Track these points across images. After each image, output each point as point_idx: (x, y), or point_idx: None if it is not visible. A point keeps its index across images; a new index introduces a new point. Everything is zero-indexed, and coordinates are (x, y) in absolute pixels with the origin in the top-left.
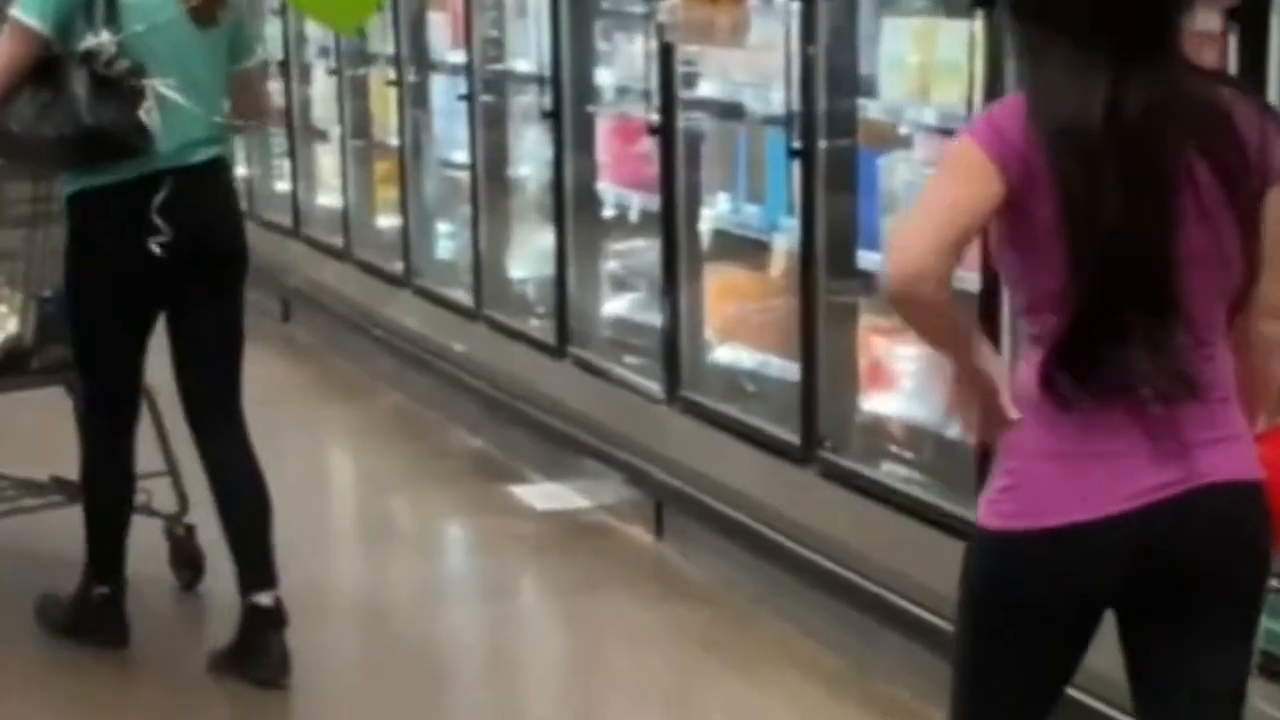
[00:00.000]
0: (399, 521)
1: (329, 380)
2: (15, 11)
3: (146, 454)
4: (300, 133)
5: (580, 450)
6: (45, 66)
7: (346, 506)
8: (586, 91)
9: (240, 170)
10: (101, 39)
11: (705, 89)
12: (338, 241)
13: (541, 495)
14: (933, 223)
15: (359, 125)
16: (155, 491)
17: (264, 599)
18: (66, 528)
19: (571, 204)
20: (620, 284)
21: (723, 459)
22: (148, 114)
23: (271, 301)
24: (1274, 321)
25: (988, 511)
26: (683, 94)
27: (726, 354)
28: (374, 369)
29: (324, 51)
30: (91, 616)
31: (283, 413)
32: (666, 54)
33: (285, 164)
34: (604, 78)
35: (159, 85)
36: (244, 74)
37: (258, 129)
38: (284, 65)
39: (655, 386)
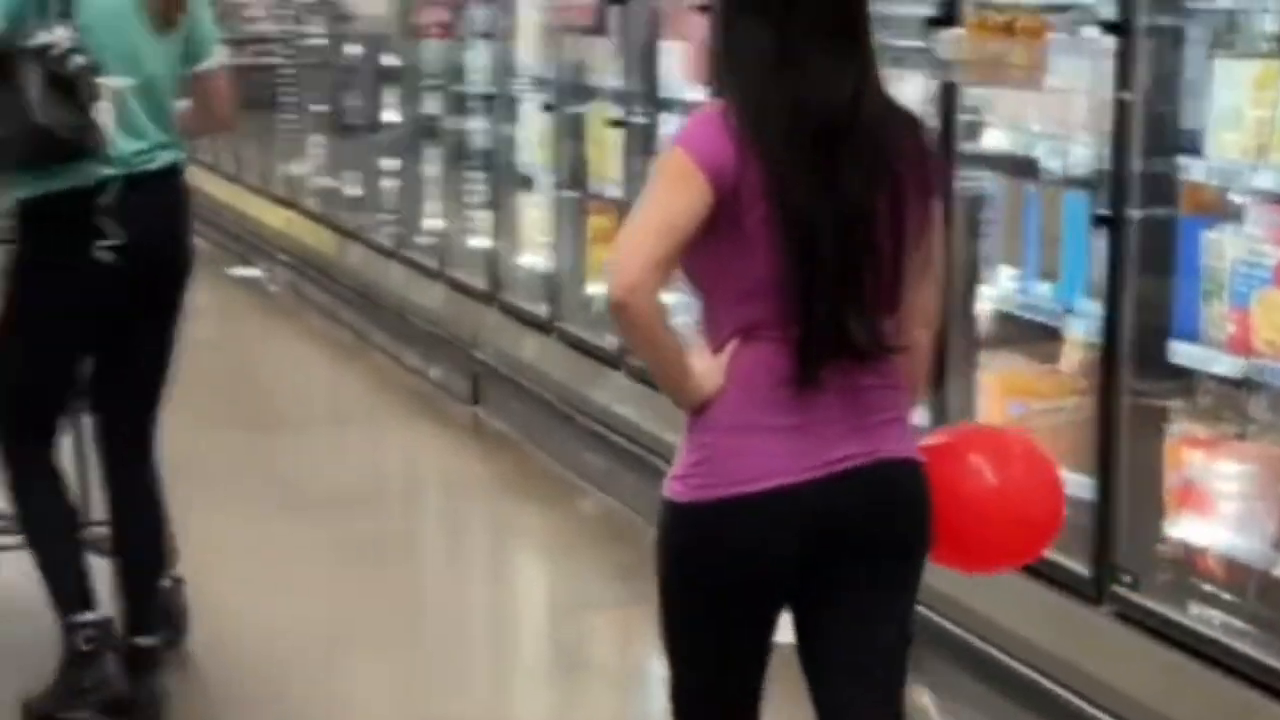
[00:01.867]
0: (596, 649)
1: (523, 475)
2: None
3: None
4: (502, 179)
5: None
6: None
7: (536, 627)
8: None
9: (433, 222)
10: (56, 34)
11: (992, 140)
12: (541, 310)
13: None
14: (648, 234)
15: (573, 172)
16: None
17: (145, 640)
18: None
19: None
20: None
21: (994, 591)
22: (102, 115)
23: (459, 378)
24: (925, 329)
25: (679, 487)
26: (964, 146)
27: None
28: (578, 465)
29: (538, 84)
30: (81, 667)
31: (468, 512)
32: (948, 96)
33: (482, 216)
34: None
35: (114, 84)
36: (202, 76)
37: (212, 134)
38: (489, 99)
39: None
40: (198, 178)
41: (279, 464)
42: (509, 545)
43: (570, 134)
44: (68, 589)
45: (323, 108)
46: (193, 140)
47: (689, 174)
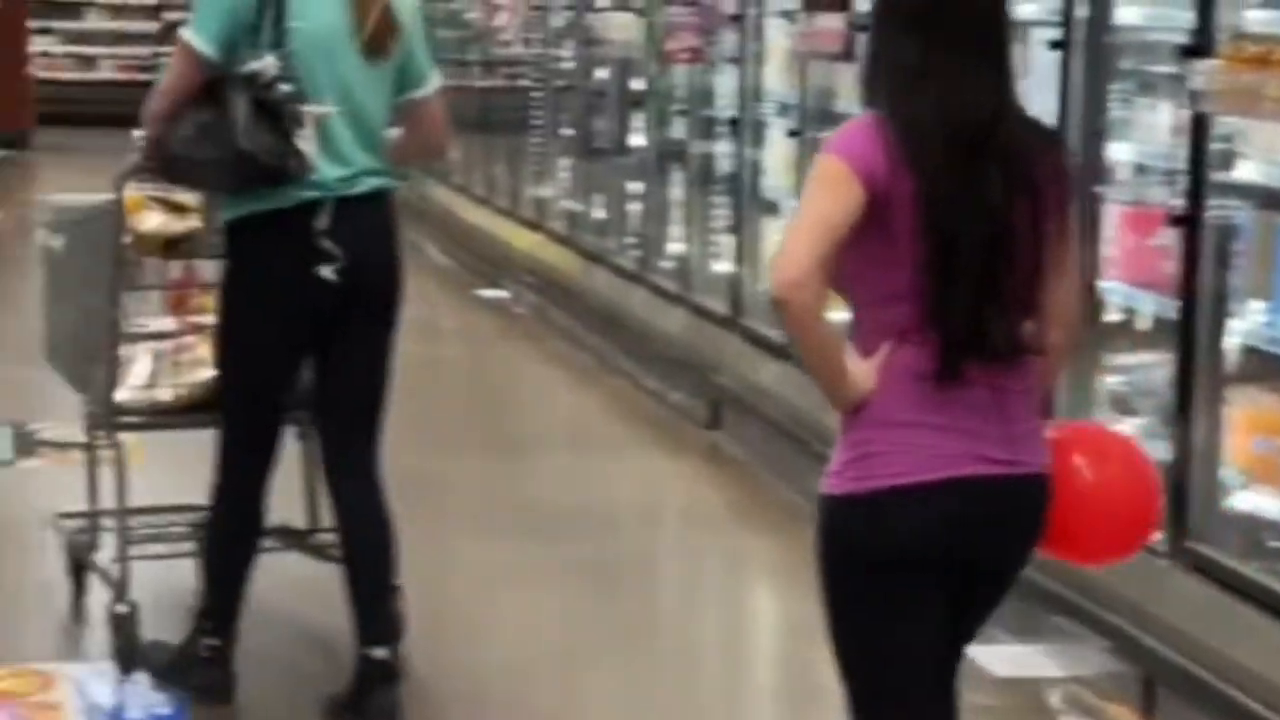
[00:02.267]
0: (829, 677)
1: (760, 503)
2: (185, 32)
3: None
4: (746, 204)
5: (1056, 608)
6: (208, 86)
7: (768, 654)
8: (1095, 169)
9: (676, 246)
10: (264, 62)
11: (1244, 172)
12: (781, 336)
13: (1005, 659)
14: (808, 233)
15: None
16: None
17: (379, 652)
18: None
19: None
20: (1120, 404)
21: (1236, 631)
22: (305, 141)
23: (697, 403)
24: (1061, 331)
25: (835, 481)
26: (1215, 176)
27: (1249, 500)
28: (814, 493)
29: (784, 109)
30: (196, 670)
31: (702, 539)
32: (1199, 127)
33: (726, 240)
34: (1118, 153)
35: (318, 112)
36: (416, 104)
37: (427, 162)
38: (734, 123)
39: (1156, 535)
40: (449, 200)
41: (516, 486)
42: (743, 572)
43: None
44: (219, 601)
45: (571, 131)
46: (407, 166)
47: (843, 177)
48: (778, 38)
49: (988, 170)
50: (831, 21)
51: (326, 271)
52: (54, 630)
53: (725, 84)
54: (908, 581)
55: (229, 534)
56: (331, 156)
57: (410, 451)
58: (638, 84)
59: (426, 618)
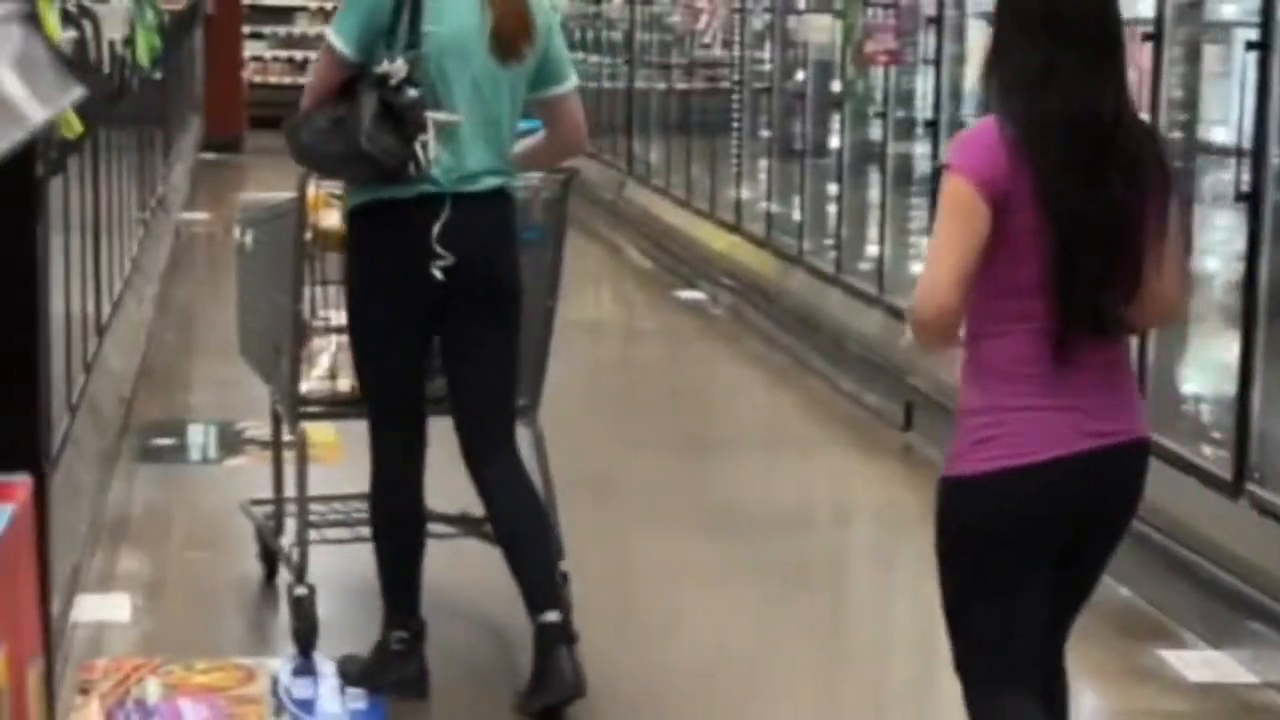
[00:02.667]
0: None
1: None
2: (328, 32)
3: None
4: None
5: (1254, 613)
6: (347, 83)
7: None
8: None
9: (873, 248)
10: (395, 65)
11: None
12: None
13: (1198, 664)
14: (949, 265)
15: None
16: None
17: (550, 616)
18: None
19: (1265, 308)
20: None
21: None
22: (423, 147)
23: (891, 404)
24: (1157, 316)
25: (961, 464)
26: None
27: None
28: None
29: (983, 111)
30: (390, 667)
31: (895, 540)
32: None
33: (923, 243)
34: None
35: (443, 119)
36: (552, 101)
37: (559, 166)
38: (932, 125)
39: None
40: (649, 202)
41: (710, 486)
42: (935, 576)
43: None
44: (393, 591)
45: (770, 133)
46: (546, 166)
47: (971, 203)
48: (978, 39)
49: (1108, 167)
50: None
51: (435, 270)
52: (253, 623)
53: (924, 85)
54: (1022, 554)
55: (389, 523)
56: (455, 155)
57: (605, 451)
58: (836, 86)
59: (616, 615)
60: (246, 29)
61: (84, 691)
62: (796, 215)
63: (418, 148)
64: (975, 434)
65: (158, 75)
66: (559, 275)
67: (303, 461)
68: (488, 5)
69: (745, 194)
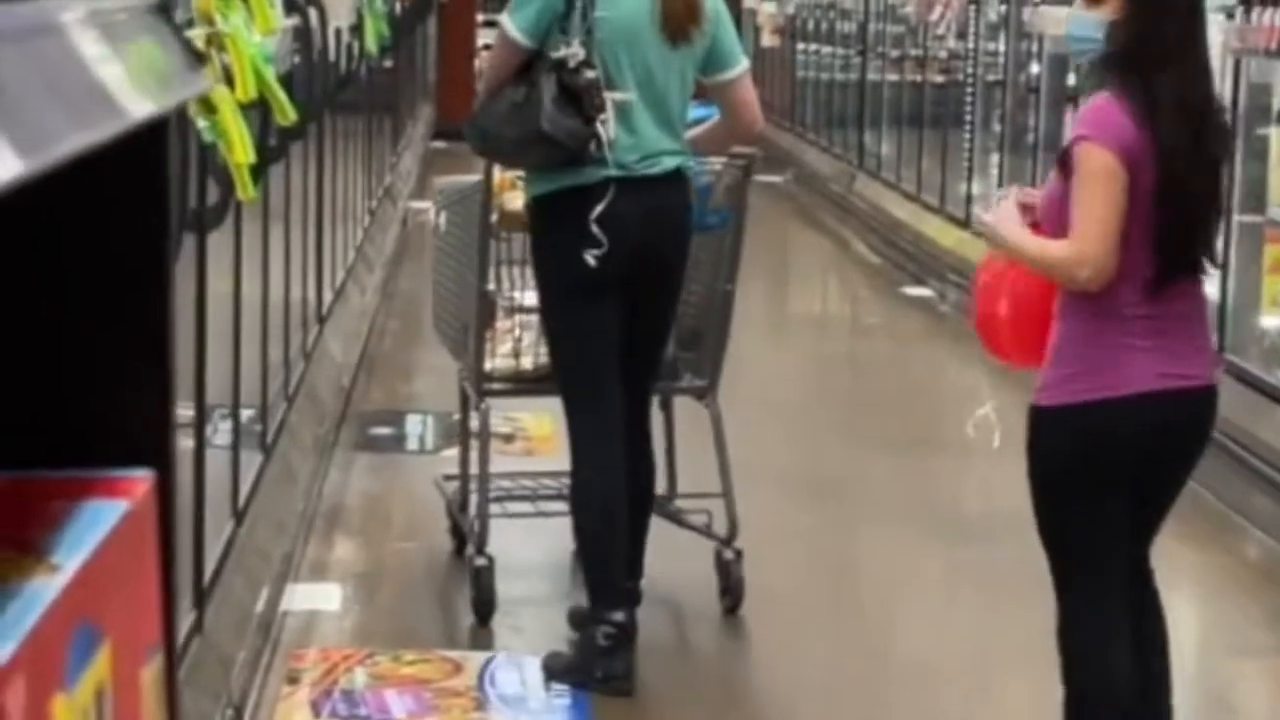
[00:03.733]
0: (1244, 697)
1: (1180, 512)
2: (504, 20)
3: (708, 473)
4: None
5: None
6: (524, 68)
7: (1184, 671)
8: None
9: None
10: (571, 49)
11: None
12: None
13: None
14: (1106, 230)
15: (1251, 195)
16: (714, 513)
17: (618, 615)
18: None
19: None
20: None
21: None
22: (605, 126)
23: None
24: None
25: (1054, 394)
26: None
27: None
28: (1243, 505)
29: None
30: (597, 662)
31: None
32: None
33: None
34: None
35: (619, 98)
36: (724, 85)
37: (745, 155)
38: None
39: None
40: (878, 195)
41: (933, 487)
42: (1161, 583)
43: (1253, 156)
44: (598, 576)
45: (1002, 127)
46: (720, 150)
47: (1114, 171)
48: (1213, 34)
49: (1209, 134)
50: (1274, 18)
51: (589, 258)
52: (462, 615)
53: None
54: (1107, 476)
55: (589, 504)
56: (630, 137)
57: (828, 447)
58: (1071, 79)
59: (836, 614)
60: (480, 17)
61: (292, 680)
62: None
63: (599, 127)
64: (1069, 366)
65: (388, 63)
66: (738, 259)
67: (485, 435)
68: None
69: (976, 189)
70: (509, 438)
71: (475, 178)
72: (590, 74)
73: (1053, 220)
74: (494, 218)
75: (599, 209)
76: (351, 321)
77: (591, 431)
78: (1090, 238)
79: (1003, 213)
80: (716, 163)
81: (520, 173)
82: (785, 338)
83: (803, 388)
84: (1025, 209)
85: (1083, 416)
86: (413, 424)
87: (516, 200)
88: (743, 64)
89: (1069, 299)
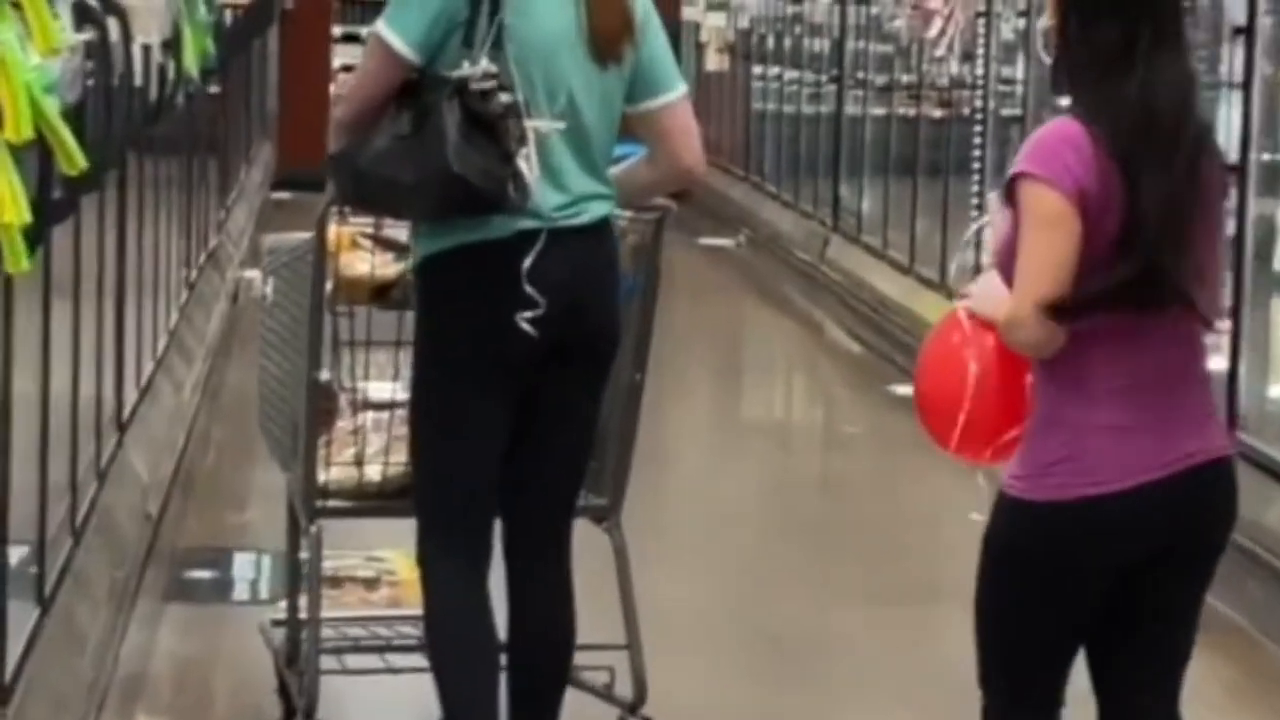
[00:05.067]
0: None
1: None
2: (380, 29)
3: (608, 619)
4: (1253, 276)
5: None
6: (405, 93)
7: None
8: None
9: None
10: (479, 67)
11: None
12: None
13: None
14: (1040, 282)
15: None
16: (616, 669)
17: None
18: None
19: None
20: None
21: None
22: (527, 163)
23: None
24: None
25: (1035, 485)
26: None
27: None
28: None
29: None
30: None
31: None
32: None
33: (1221, 324)
34: None
35: (544, 127)
36: (657, 114)
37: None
38: (1239, 169)
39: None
40: (858, 265)
41: (930, 652)
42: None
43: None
44: None
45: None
46: (650, 197)
47: (1060, 216)
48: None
49: (1183, 156)
50: None
51: (524, 323)
52: None
53: (1228, 115)
54: (1077, 586)
55: (454, 657)
56: (550, 179)
57: (785, 599)
58: None
59: None
60: (337, 29)
61: None
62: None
63: (520, 163)
64: (1048, 454)
65: (214, 89)
66: (648, 341)
67: (315, 566)
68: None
69: (986, 257)
70: (371, 582)
71: (307, 234)
72: (506, 97)
73: (1006, 268)
74: (329, 286)
75: (527, 263)
76: (162, 428)
77: (461, 561)
78: (1024, 295)
79: (982, 284)
80: (620, 216)
81: (365, 229)
82: (735, 450)
83: (757, 516)
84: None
85: (1063, 516)
86: (242, 565)
87: (358, 264)
88: (681, 88)
89: (1037, 369)
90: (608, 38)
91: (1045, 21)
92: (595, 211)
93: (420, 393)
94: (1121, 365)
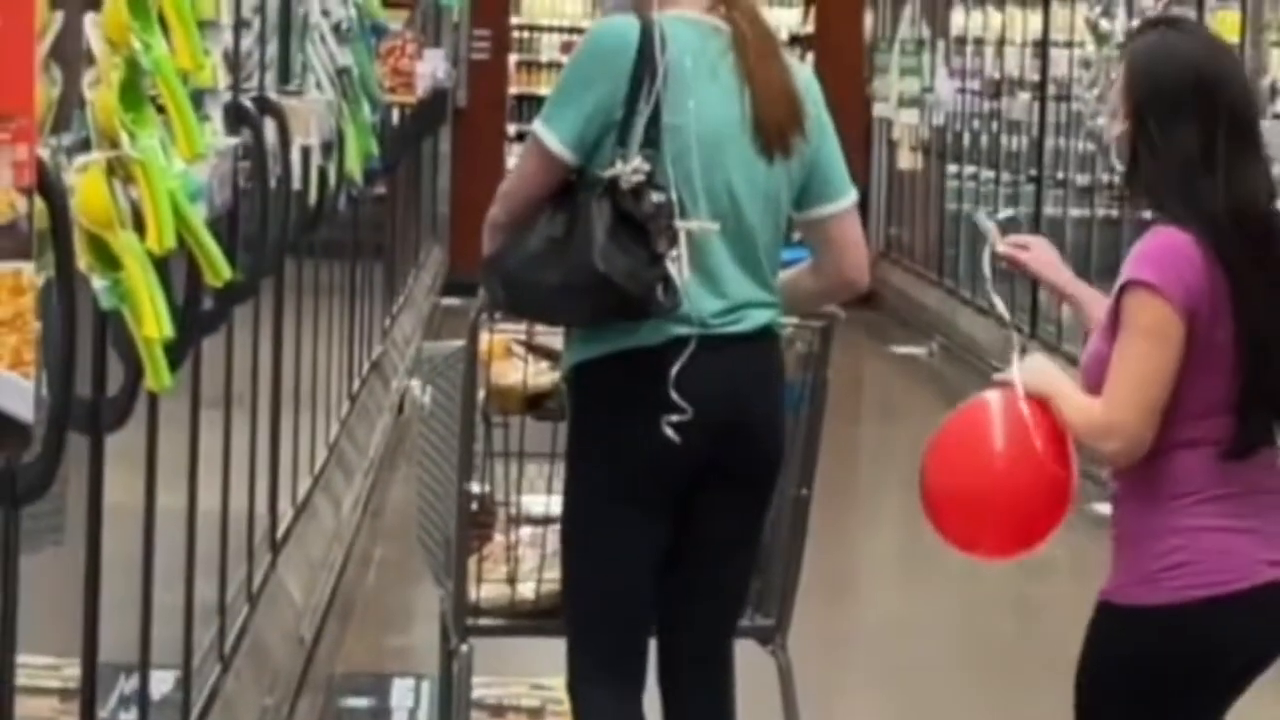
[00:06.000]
0: None
1: None
2: (538, 127)
3: None
4: None
5: None
6: (562, 192)
7: None
8: None
9: None
10: (631, 165)
11: None
12: None
13: None
14: (1146, 393)
15: None
16: None
17: None
18: None
19: None
20: None
21: None
22: (677, 265)
23: None
24: None
25: (1154, 589)
26: None
27: None
28: None
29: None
30: None
31: None
32: None
33: None
34: None
35: (697, 229)
36: (825, 222)
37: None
38: None
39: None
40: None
41: None
42: None
43: None
44: None
45: None
46: (810, 309)
47: (1172, 325)
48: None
49: (1273, 255)
50: None
51: (668, 428)
52: None
53: None
54: (1194, 693)
55: None
56: (707, 283)
57: None
58: None
59: None
60: (511, 128)
61: None
62: None
63: (669, 266)
64: (1163, 559)
65: (380, 191)
66: (815, 455)
67: (465, 689)
68: (745, 86)
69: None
70: (536, 712)
71: (463, 342)
72: (657, 196)
73: (1092, 375)
74: (481, 395)
75: (675, 369)
76: (319, 548)
77: (610, 696)
78: (1123, 405)
79: (1036, 367)
80: (785, 324)
81: (519, 335)
82: (923, 573)
83: (945, 646)
84: (1022, 266)
85: (1184, 618)
86: (401, 691)
87: (510, 373)
88: (852, 196)
89: (1145, 478)
90: (776, 127)
91: (1117, 128)
92: (756, 319)
93: (570, 506)
94: (1215, 471)
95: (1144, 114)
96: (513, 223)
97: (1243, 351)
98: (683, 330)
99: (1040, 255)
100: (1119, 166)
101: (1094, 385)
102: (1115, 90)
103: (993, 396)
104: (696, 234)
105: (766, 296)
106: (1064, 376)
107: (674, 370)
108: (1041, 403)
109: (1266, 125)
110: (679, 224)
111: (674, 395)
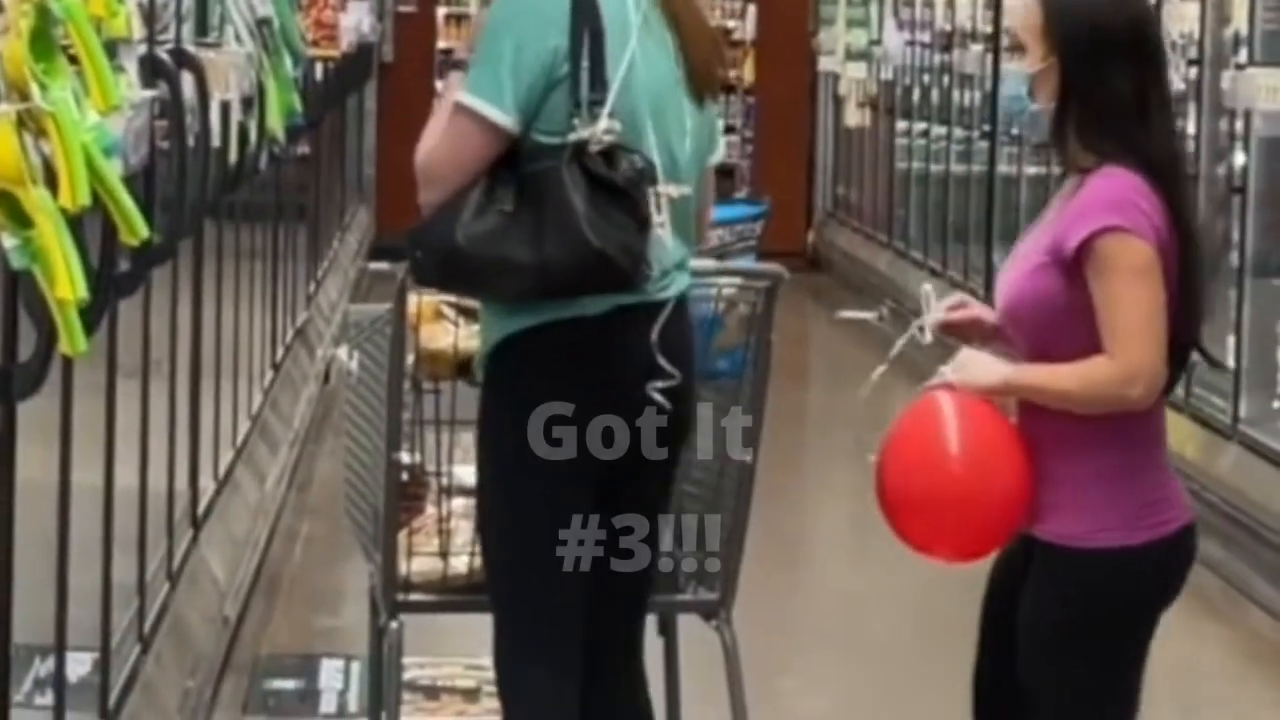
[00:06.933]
0: None
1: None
2: (465, 99)
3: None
4: None
5: None
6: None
7: None
8: None
9: None
10: (601, 125)
11: None
12: None
13: None
14: (1154, 335)
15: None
16: None
17: None
18: None
19: None
20: None
21: None
22: (662, 230)
23: None
24: None
25: (1123, 534)
26: None
27: None
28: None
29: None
30: None
31: None
32: None
33: None
34: None
35: (673, 192)
36: (708, 172)
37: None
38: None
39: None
40: None
41: None
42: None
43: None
44: None
45: None
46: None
47: (1153, 263)
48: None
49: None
50: None
51: (656, 393)
52: None
53: None
54: (1155, 621)
55: None
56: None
57: (935, 710)
58: None
59: None
60: (440, 85)
61: None
62: (1230, 363)
63: (659, 234)
64: (1140, 497)
65: (303, 150)
66: (760, 421)
67: (395, 669)
68: (672, 32)
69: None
70: (471, 693)
71: (390, 305)
72: (636, 160)
73: (1048, 336)
74: (410, 359)
75: (655, 330)
76: (243, 524)
77: (546, 678)
78: (1139, 348)
79: (970, 361)
80: (728, 284)
81: (449, 298)
82: (874, 542)
83: (897, 615)
84: (960, 327)
85: (1167, 551)
86: (330, 673)
87: (440, 336)
88: (722, 143)
89: (1095, 427)
90: (706, 69)
91: (1024, 67)
92: (680, 283)
93: (496, 475)
94: (1160, 407)
95: (1070, 54)
96: (450, 203)
97: (1175, 291)
98: (628, 299)
99: (973, 310)
100: (1034, 108)
101: (1027, 321)
102: (1026, 28)
103: (943, 395)
104: (674, 198)
105: (687, 256)
106: (1005, 363)
107: (654, 334)
108: (985, 401)
109: (1229, 76)
110: (661, 189)
111: (661, 361)
